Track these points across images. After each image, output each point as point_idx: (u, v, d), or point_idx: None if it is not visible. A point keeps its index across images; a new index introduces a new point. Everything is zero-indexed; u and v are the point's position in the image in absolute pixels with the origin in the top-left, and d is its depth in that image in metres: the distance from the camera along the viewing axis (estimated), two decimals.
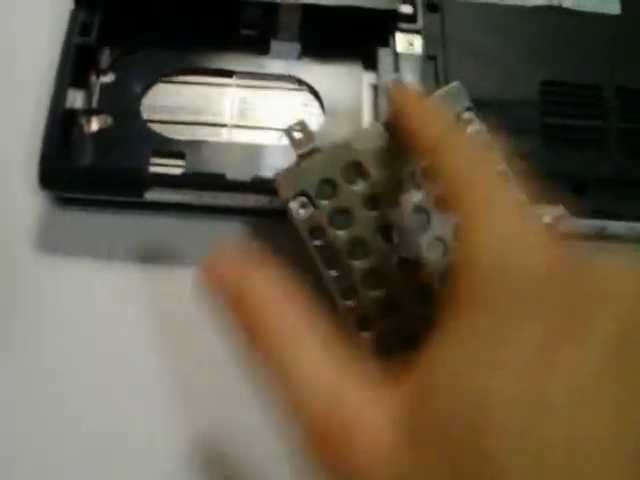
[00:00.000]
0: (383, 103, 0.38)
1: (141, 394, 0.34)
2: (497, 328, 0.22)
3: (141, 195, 0.35)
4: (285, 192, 0.32)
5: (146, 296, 0.36)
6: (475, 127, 0.34)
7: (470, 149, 0.28)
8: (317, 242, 0.32)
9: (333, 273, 0.32)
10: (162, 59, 0.40)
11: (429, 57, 0.37)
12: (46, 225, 0.37)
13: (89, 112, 0.38)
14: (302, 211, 0.32)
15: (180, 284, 0.35)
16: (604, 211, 0.29)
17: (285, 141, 0.37)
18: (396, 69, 0.37)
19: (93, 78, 0.39)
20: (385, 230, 0.32)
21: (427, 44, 0.38)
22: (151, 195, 0.35)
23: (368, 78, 0.40)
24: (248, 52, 0.41)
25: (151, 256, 0.37)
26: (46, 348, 0.35)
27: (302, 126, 0.33)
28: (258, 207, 0.36)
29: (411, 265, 0.32)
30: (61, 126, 0.35)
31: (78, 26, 0.38)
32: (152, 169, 0.36)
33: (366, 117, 0.39)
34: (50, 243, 0.37)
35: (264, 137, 0.38)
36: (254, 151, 0.37)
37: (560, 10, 0.40)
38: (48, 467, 0.33)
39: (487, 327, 0.22)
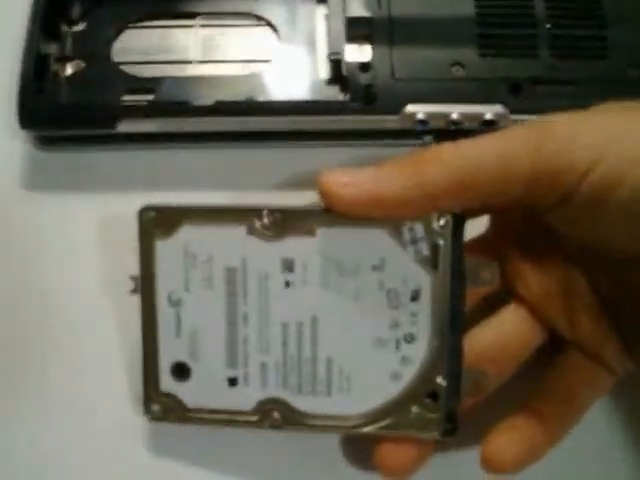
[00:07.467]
0: (333, 30, 0.41)
1: None
2: None
3: (114, 127, 0.38)
4: None
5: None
6: None
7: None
8: None
9: None
10: (129, 7, 0.43)
11: None
12: (30, 165, 0.40)
13: (62, 59, 0.40)
14: None
15: None
16: (538, 108, 0.32)
17: (248, 70, 0.41)
18: None
19: (65, 28, 0.41)
20: None
21: None
22: (123, 127, 0.38)
23: (321, 10, 0.43)
24: None
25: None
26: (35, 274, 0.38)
27: None
28: (226, 130, 0.39)
29: None
30: (35, 69, 0.38)
31: None
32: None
33: (320, 45, 0.42)
34: (34, 182, 0.40)
35: (227, 69, 0.41)
36: (217, 81, 0.40)
37: None
38: None
39: None
